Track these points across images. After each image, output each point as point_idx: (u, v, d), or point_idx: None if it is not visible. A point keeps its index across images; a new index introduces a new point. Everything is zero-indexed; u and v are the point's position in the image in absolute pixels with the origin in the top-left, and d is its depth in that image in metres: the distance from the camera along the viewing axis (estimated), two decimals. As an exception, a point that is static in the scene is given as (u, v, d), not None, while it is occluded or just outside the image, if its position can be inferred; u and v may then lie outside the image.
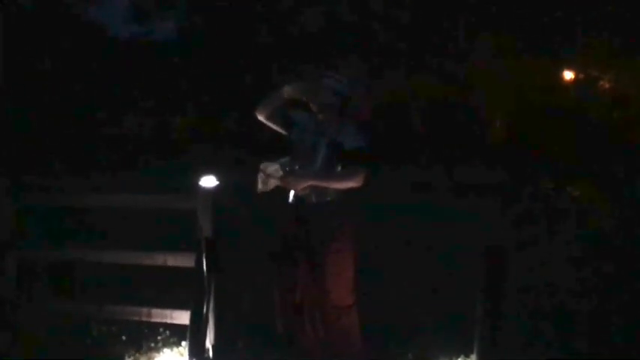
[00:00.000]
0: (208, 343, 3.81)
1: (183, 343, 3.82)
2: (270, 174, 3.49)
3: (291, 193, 3.59)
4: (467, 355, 3.69)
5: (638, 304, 4.41)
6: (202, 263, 3.75)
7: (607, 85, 17.05)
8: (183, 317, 3.80)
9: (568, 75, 17.25)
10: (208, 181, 3.75)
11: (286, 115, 3.63)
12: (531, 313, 4.31)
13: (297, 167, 3.51)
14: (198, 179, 3.77)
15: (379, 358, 3.76)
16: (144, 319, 3.93)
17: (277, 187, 3.53)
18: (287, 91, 3.55)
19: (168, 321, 3.91)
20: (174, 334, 3.95)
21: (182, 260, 3.89)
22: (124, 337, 3.97)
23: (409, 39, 16.54)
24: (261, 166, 3.53)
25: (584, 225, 6.79)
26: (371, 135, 3.54)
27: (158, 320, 3.93)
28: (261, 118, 3.64)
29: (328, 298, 3.47)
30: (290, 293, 3.55)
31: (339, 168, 3.48)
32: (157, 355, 3.84)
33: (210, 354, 3.80)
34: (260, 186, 3.53)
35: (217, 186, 3.75)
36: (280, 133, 3.69)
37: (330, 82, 3.55)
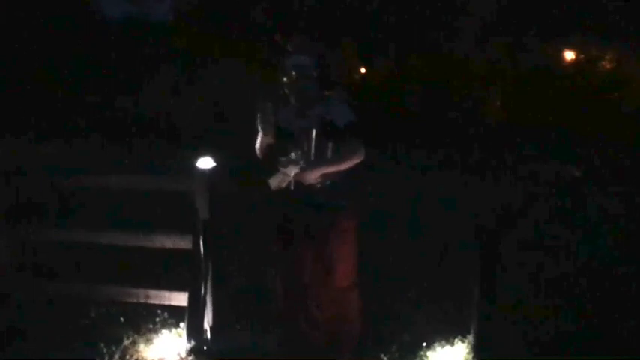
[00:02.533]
0: (206, 324, 3.83)
1: (182, 324, 3.83)
2: (288, 174, 3.43)
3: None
4: (463, 337, 3.71)
5: (636, 284, 4.43)
6: (199, 245, 3.75)
7: (608, 66, 16.97)
8: (180, 299, 3.82)
9: (569, 55, 17.16)
10: (205, 163, 3.73)
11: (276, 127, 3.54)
12: (527, 294, 4.33)
13: (293, 155, 3.46)
14: (194, 161, 3.75)
15: (376, 339, 3.77)
16: (142, 300, 3.94)
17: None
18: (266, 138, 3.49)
19: (166, 302, 3.93)
20: (173, 316, 3.95)
21: (180, 242, 3.89)
22: (122, 319, 3.98)
23: (404, 18, 16.40)
24: (281, 169, 3.45)
25: (584, 205, 6.80)
26: (357, 108, 3.52)
27: (156, 302, 3.94)
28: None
29: (332, 279, 3.48)
30: (294, 274, 3.55)
31: (330, 144, 3.46)
32: (155, 336, 3.85)
33: (208, 335, 3.82)
34: (275, 184, 3.46)
35: (214, 167, 3.73)
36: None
37: (291, 61, 3.52)
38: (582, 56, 17.05)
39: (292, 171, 3.40)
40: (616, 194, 7.09)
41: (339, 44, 15.24)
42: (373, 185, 5.71)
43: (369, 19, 16.37)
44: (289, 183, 3.43)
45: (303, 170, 3.39)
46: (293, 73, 3.47)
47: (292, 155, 3.41)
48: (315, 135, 3.44)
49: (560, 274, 4.68)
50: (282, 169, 3.42)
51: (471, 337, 3.64)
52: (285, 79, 3.50)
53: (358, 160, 3.43)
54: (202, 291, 3.75)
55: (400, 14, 16.18)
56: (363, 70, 18.23)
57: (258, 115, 3.44)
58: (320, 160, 3.44)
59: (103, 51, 16.45)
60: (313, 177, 3.41)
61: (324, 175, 3.42)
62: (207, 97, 14.91)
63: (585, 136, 11.53)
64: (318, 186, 3.44)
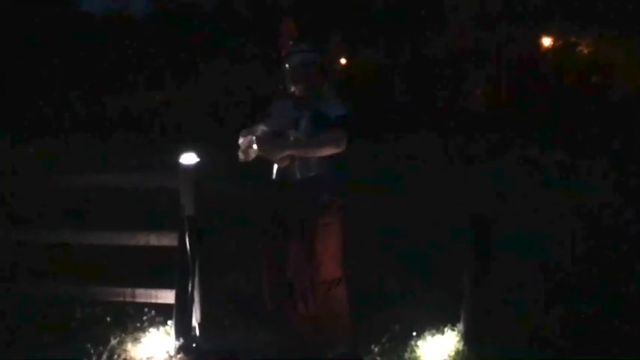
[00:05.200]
0: (194, 322, 3.79)
1: (170, 323, 3.79)
2: (247, 143, 3.44)
3: (275, 168, 3.55)
4: (454, 326, 3.71)
5: (625, 271, 4.45)
6: (185, 242, 3.71)
7: (585, 51, 17.15)
8: (168, 296, 3.77)
9: (547, 41, 17.29)
10: (189, 159, 3.68)
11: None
12: (518, 282, 4.34)
13: (266, 129, 3.46)
14: (178, 157, 3.70)
15: (366, 330, 3.76)
16: (128, 299, 3.89)
17: (259, 158, 3.49)
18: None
19: (153, 301, 3.88)
20: (160, 314, 3.91)
21: (165, 239, 3.84)
22: (108, 319, 3.93)
23: (390, 10, 16.40)
24: (241, 134, 3.48)
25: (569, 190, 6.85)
26: (349, 105, 3.51)
27: (143, 300, 3.89)
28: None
29: (318, 273, 3.45)
30: (279, 270, 3.53)
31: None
32: (142, 335, 3.80)
33: (197, 332, 3.78)
34: (241, 156, 3.48)
35: (198, 163, 3.69)
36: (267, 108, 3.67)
37: (295, 48, 3.53)
38: (561, 42, 17.21)
39: (249, 138, 3.39)
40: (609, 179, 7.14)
41: (328, 36, 15.26)
42: (362, 175, 5.69)
43: (357, 11, 16.35)
44: (252, 152, 3.42)
45: (267, 143, 3.36)
46: (296, 61, 3.48)
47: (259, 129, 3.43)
48: (306, 125, 3.42)
49: (552, 262, 4.70)
50: (241, 138, 3.44)
51: (461, 326, 3.64)
52: (287, 65, 3.51)
53: (333, 151, 3.39)
54: (190, 288, 3.71)
55: (387, 6, 16.19)
56: (343, 61, 18.22)
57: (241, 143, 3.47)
58: (287, 140, 3.42)
59: (83, 47, 16.27)
60: (276, 153, 3.39)
61: (298, 161, 3.40)
62: (191, 93, 14.81)
63: (570, 120, 11.63)
64: (299, 176, 3.42)
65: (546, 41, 17.15)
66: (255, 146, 3.41)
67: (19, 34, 15.46)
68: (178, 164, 3.68)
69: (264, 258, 3.60)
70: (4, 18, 15.21)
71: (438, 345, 3.61)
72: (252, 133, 3.44)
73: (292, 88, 3.55)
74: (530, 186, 7.28)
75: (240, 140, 3.48)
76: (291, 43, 3.61)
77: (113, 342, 3.71)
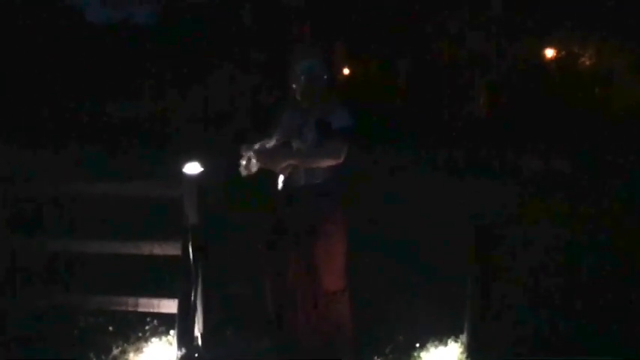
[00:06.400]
0: (197, 332, 3.78)
1: (172, 332, 3.78)
2: (247, 159, 3.46)
3: (280, 178, 3.55)
4: (457, 337, 3.69)
5: (626, 284, 4.44)
6: (189, 251, 3.70)
7: (588, 62, 17.18)
8: (170, 306, 3.76)
9: (549, 52, 17.32)
10: (192, 168, 3.69)
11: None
12: (521, 292, 4.33)
13: (266, 142, 3.48)
14: (182, 165, 3.70)
15: (370, 341, 3.75)
16: (131, 309, 3.88)
17: (263, 171, 3.50)
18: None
19: (156, 310, 3.86)
20: (163, 324, 3.90)
21: (168, 248, 3.83)
22: (111, 328, 3.92)
23: (393, 16, 16.45)
24: (242, 150, 3.50)
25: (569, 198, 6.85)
26: (355, 115, 3.52)
27: (145, 310, 3.88)
28: None
29: (320, 283, 3.45)
30: (281, 279, 3.52)
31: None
32: (145, 344, 3.80)
33: (199, 342, 3.77)
34: (243, 171, 3.50)
35: (202, 172, 3.69)
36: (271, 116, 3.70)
37: (301, 65, 3.55)
38: (564, 52, 17.24)
39: (248, 153, 3.41)
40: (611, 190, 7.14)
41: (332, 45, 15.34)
42: (365, 186, 5.69)
43: (358, 19, 16.40)
44: (254, 165, 3.45)
45: (266, 155, 3.36)
46: (302, 77, 3.49)
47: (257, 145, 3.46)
48: (311, 136, 3.43)
49: (555, 274, 4.69)
50: (242, 153, 3.47)
51: (464, 337, 3.63)
52: (294, 85, 3.53)
53: (332, 162, 3.38)
54: (192, 298, 3.70)
55: (388, 13, 16.24)
56: (346, 71, 18.27)
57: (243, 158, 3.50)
58: (286, 149, 3.42)
59: (87, 56, 16.35)
60: (277, 164, 3.41)
61: (303, 170, 3.40)
62: (195, 101, 14.84)
63: (571, 130, 11.63)
64: (303, 183, 3.42)
65: (549, 52, 17.20)
66: (255, 160, 3.44)
67: (25, 44, 15.55)
68: (182, 173, 3.69)
69: (266, 267, 3.60)
70: (10, 29, 15.30)
71: (440, 356, 3.60)
72: (251, 149, 3.46)
73: (299, 99, 3.57)
74: (532, 194, 7.28)
75: (241, 154, 3.50)
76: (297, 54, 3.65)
77: (115, 351, 3.71)
